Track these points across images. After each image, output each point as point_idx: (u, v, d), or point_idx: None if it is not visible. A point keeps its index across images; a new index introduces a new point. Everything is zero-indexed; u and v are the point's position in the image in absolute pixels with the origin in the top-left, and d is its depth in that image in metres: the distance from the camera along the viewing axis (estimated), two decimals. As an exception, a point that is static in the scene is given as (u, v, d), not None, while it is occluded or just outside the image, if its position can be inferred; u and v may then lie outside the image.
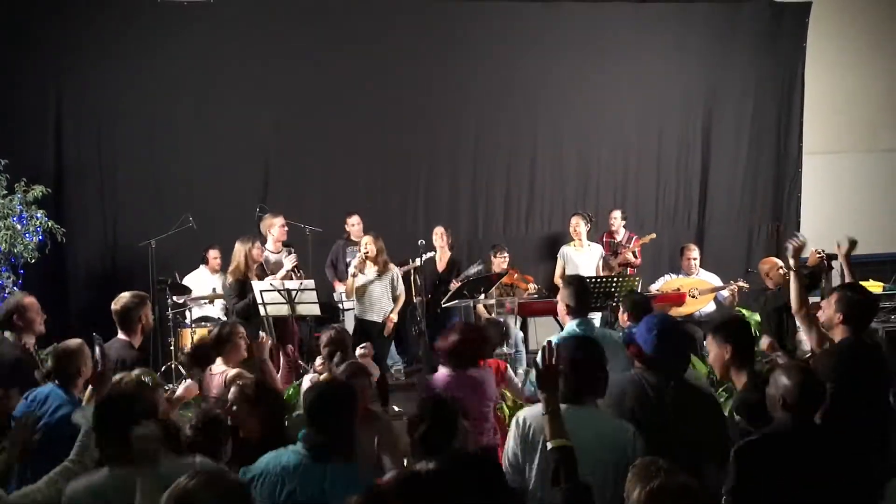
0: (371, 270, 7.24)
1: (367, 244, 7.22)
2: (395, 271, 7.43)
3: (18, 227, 7.48)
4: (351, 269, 7.26)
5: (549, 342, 2.98)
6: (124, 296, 4.69)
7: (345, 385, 3.28)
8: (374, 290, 7.28)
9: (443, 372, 4.42)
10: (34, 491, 3.07)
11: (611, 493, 2.89)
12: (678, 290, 7.90)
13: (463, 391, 4.16)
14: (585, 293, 4.66)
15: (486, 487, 2.82)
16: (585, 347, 3.25)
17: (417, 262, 7.84)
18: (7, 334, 4.63)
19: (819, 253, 6.34)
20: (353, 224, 8.21)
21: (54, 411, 3.78)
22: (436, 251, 8.30)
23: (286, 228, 7.36)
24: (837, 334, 3.92)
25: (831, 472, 2.90)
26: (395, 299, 7.37)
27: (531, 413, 3.14)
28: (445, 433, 3.03)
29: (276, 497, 2.83)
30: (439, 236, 8.34)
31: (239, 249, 6.63)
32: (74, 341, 4.12)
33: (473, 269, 8.03)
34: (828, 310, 3.95)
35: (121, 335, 4.66)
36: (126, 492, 2.67)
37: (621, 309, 5.19)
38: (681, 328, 3.73)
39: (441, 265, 8.31)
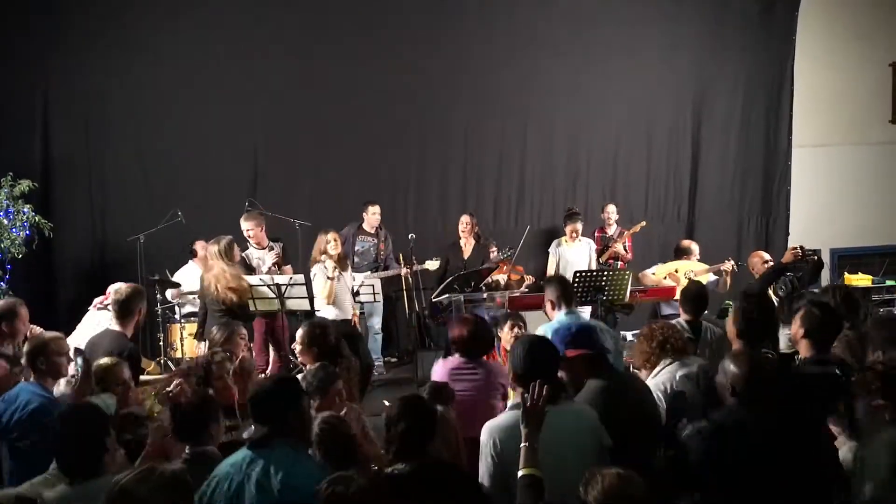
0: (331, 267, 6.88)
1: (332, 241, 6.85)
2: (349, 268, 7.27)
3: (5, 221, 7.44)
4: (329, 274, 6.83)
5: (538, 382, 2.95)
6: (123, 286, 4.73)
7: (285, 378, 3.36)
8: (341, 288, 6.98)
9: (454, 359, 4.55)
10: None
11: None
12: (675, 271, 7.92)
13: (472, 380, 4.39)
14: (567, 286, 4.92)
15: (457, 494, 2.86)
16: (545, 346, 3.35)
17: (424, 265, 7.83)
18: None
19: (795, 249, 6.36)
20: (374, 213, 8.17)
21: (24, 406, 3.78)
22: (460, 239, 8.31)
23: (250, 231, 7.08)
24: (802, 349, 3.92)
25: (783, 456, 2.93)
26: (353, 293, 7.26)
27: (501, 430, 3.13)
28: (423, 434, 3.03)
29: (228, 493, 2.90)
30: (465, 224, 8.31)
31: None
32: (49, 334, 4.14)
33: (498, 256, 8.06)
34: (794, 325, 3.96)
35: (114, 326, 4.66)
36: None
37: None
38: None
39: (466, 252, 8.28)
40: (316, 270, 6.88)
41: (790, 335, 4.05)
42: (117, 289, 4.76)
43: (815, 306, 3.96)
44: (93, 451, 2.92)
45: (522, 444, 2.89)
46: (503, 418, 3.20)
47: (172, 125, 8.56)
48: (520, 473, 2.85)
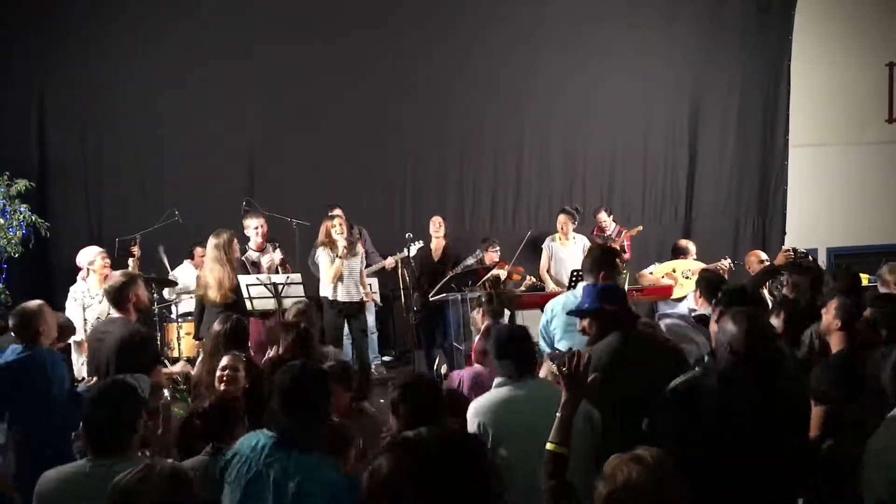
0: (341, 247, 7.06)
1: (337, 224, 7.00)
2: (361, 249, 7.40)
3: (2, 221, 7.44)
4: (341, 252, 6.97)
5: (576, 351, 2.93)
6: (114, 275, 4.82)
7: (320, 371, 3.25)
8: (354, 268, 7.09)
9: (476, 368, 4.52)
10: None
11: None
12: (673, 271, 7.92)
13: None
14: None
15: (470, 462, 2.82)
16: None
17: (404, 252, 7.76)
18: None
19: (788, 251, 6.35)
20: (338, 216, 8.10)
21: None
22: (431, 240, 8.26)
23: (258, 230, 6.91)
24: (835, 341, 3.89)
25: (768, 412, 2.95)
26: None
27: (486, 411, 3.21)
28: (430, 414, 2.97)
29: (246, 476, 2.91)
30: (436, 225, 8.27)
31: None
32: (34, 302, 4.27)
33: (471, 260, 7.98)
34: (826, 316, 3.93)
35: (114, 313, 4.74)
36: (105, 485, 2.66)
37: (696, 291, 5.17)
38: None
39: (437, 254, 8.24)
40: (320, 253, 6.99)
41: (821, 329, 4.01)
42: (108, 277, 4.89)
43: (847, 297, 3.98)
44: (125, 431, 2.91)
45: (558, 414, 2.81)
46: (490, 396, 3.16)
47: (169, 124, 8.57)
48: (547, 447, 2.77)
